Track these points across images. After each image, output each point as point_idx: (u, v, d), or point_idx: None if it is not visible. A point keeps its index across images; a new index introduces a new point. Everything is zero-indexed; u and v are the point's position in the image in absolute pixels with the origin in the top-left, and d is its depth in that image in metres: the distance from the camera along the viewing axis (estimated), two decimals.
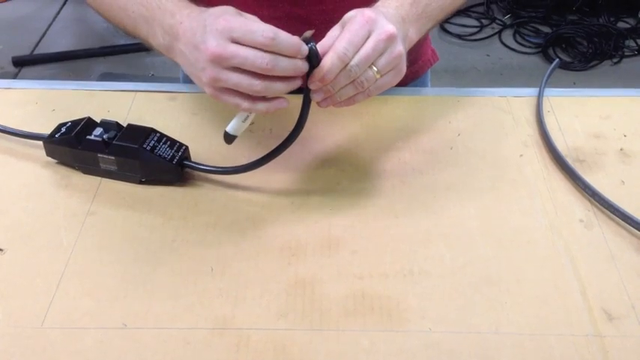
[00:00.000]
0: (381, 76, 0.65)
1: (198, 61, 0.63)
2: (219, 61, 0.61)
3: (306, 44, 0.62)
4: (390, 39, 0.63)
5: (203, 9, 0.66)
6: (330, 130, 0.82)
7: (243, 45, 0.60)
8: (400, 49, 0.65)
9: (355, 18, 0.64)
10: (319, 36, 0.64)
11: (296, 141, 0.71)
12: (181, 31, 0.66)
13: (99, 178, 0.75)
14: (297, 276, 0.65)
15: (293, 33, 0.62)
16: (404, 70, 0.67)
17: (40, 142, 0.76)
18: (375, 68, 0.64)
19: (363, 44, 0.63)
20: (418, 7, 0.72)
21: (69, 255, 0.66)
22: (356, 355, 0.58)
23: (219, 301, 0.62)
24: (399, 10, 0.69)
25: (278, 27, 0.62)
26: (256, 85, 0.62)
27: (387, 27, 0.63)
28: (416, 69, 0.98)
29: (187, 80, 1.00)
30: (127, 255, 0.67)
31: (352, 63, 0.63)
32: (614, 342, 0.59)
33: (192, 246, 0.68)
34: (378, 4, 0.70)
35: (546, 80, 0.89)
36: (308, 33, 0.63)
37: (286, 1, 0.81)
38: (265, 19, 0.64)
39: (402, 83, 0.95)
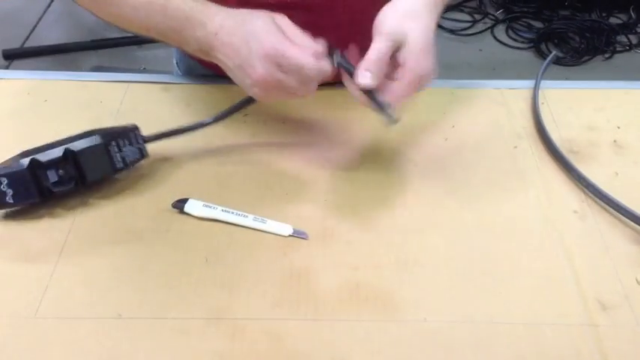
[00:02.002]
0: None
1: (244, 78, 0.66)
2: (266, 86, 0.65)
3: (332, 54, 0.66)
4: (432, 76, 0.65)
5: (236, 16, 0.66)
6: (323, 121, 0.82)
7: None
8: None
9: (412, 83, 0.64)
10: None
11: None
12: (218, 43, 0.66)
13: None
14: (292, 266, 0.65)
15: (293, 20, 0.64)
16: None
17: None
18: None
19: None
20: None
21: (62, 245, 0.66)
22: (351, 344, 0.58)
23: (214, 290, 0.62)
24: (429, 7, 0.68)
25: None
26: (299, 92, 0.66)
27: (433, 70, 0.65)
28: None
29: (181, 72, 0.99)
30: (120, 245, 0.66)
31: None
32: (608, 331, 0.59)
33: (187, 236, 0.67)
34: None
35: (543, 72, 0.90)
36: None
37: None
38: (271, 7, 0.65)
39: None
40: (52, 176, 0.67)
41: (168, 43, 0.72)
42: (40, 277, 0.63)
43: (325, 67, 0.65)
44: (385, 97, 0.65)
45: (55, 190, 0.68)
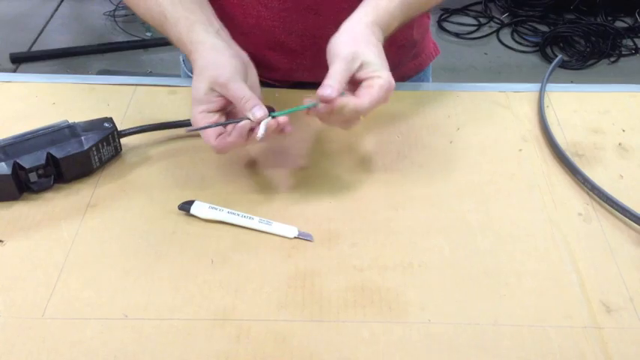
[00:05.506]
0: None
1: None
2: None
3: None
4: (390, 91, 0.67)
5: (197, 64, 0.69)
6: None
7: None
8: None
9: (383, 86, 0.66)
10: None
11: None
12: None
13: (99, 171, 0.75)
14: (297, 268, 0.65)
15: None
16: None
17: None
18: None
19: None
20: (391, 17, 0.73)
21: (69, 246, 0.67)
22: (356, 346, 0.58)
23: (220, 292, 0.62)
24: (372, 29, 0.70)
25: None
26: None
27: (393, 82, 0.67)
28: (419, 62, 0.98)
29: (188, 75, 1.00)
30: (127, 246, 0.67)
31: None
32: (613, 334, 0.60)
33: (193, 238, 0.68)
34: (364, 18, 0.70)
35: (549, 75, 0.90)
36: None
37: None
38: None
39: (407, 76, 0.96)
40: (33, 177, 0.71)
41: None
42: (47, 278, 0.63)
43: (225, 149, 0.68)
44: (363, 101, 0.66)
45: (35, 188, 0.71)
